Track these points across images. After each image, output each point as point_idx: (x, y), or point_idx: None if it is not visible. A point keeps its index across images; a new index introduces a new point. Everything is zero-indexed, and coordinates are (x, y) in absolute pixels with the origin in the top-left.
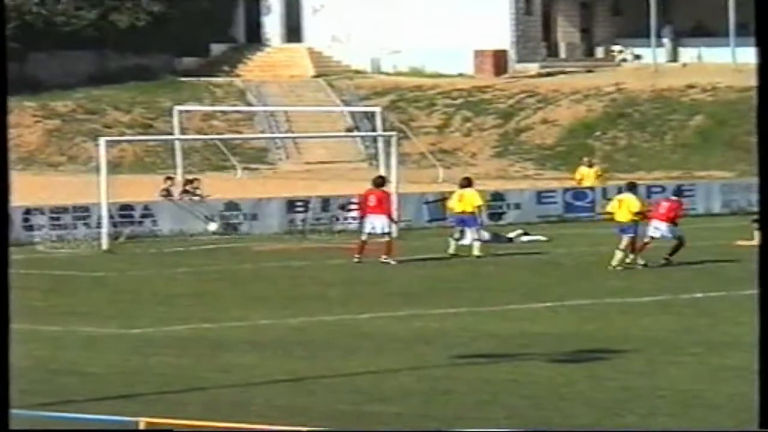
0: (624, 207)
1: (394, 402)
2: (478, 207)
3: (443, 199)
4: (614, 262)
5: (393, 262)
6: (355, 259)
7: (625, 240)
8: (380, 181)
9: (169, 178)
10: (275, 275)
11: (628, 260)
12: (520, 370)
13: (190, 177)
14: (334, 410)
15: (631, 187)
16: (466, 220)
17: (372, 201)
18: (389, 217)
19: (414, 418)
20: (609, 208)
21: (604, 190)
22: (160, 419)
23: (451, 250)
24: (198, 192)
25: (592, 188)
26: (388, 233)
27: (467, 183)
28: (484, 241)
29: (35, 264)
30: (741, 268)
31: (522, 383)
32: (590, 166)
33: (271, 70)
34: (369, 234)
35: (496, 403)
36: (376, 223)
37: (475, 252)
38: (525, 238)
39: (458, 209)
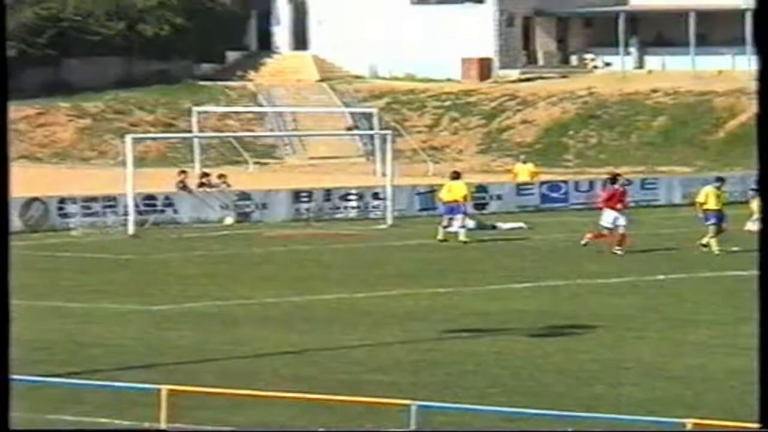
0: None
1: (387, 372)
2: (465, 197)
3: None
4: (714, 250)
5: (620, 253)
6: (618, 251)
7: (710, 229)
8: (613, 178)
9: (182, 171)
10: (282, 258)
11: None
12: (501, 344)
13: (220, 172)
14: (334, 379)
15: (717, 180)
16: (454, 209)
17: (603, 197)
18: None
19: (406, 387)
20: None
21: (577, 184)
22: (179, 387)
23: (440, 236)
24: (225, 184)
25: (528, 183)
26: (621, 226)
27: (456, 176)
28: (469, 229)
29: (69, 247)
30: (700, 253)
31: (503, 355)
32: (524, 162)
33: (280, 75)
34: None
35: (479, 373)
36: (608, 215)
37: (461, 238)
38: (507, 226)
39: (447, 199)
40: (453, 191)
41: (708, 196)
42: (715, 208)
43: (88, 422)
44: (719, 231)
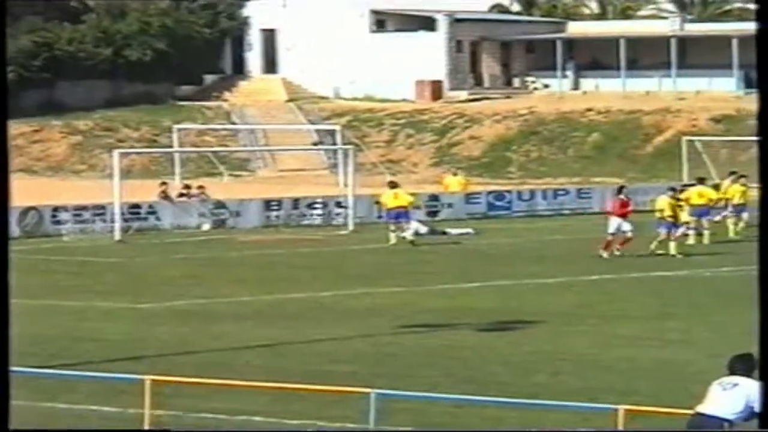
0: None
1: (350, 363)
2: (411, 203)
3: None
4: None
5: (617, 253)
6: (614, 253)
7: (661, 233)
8: (619, 190)
9: (164, 183)
10: (255, 261)
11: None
12: (453, 338)
13: (199, 184)
14: (302, 369)
15: (671, 189)
16: (401, 215)
17: (615, 206)
18: (624, 218)
19: (366, 376)
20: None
21: (519, 193)
22: (162, 377)
23: (393, 240)
24: (204, 195)
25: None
26: (626, 231)
27: (394, 185)
28: (421, 234)
29: (61, 252)
30: (629, 255)
31: (453, 348)
32: (455, 174)
33: (252, 96)
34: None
35: (432, 364)
36: (613, 223)
37: (409, 238)
38: (456, 231)
39: (394, 205)
40: (399, 198)
41: (665, 205)
42: (669, 214)
43: (79, 409)
44: (667, 237)
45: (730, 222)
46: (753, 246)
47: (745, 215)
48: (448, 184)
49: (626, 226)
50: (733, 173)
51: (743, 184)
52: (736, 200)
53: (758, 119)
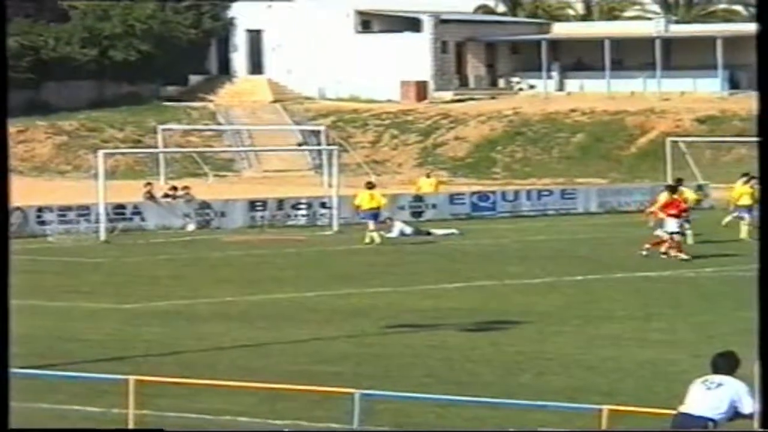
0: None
1: (334, 363)
2: (385, 204)
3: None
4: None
5: (645, 253)
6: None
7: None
8: (674, 187)
9: (149, 183)
10: (239, 261)
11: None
12: (437, 338)
13: (184, 184)
14: (286, 370)
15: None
16: (377, 215)
17: (672, 206)
18: (677, 217)
19: (351, 377)
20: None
21: (504, 194)
22: (146, 377)
23: (378, 240)
24: (189, 195)
25: (430, 194)
26: (676, 233)
27: (371, 186)
28: (406, 234)
29: (46, 252)
30: (613, 256)
31: (437, 348)
32: (428, 176)
33: (237, 97)
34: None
35: (417, 365)
36: (672, 223)
37: (368, 240)
38: (441, 232)
39: (368, 206)
40: (375, 199)
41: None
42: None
43: (63, 410)
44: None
45: (740, 223)
46: (736, 246)
47: (747, 216)
48: (420, 186)
49: (665, 228)
50: (745, 175)
51: (752, 186)
52: (745, 201)
53: (758, 119)
